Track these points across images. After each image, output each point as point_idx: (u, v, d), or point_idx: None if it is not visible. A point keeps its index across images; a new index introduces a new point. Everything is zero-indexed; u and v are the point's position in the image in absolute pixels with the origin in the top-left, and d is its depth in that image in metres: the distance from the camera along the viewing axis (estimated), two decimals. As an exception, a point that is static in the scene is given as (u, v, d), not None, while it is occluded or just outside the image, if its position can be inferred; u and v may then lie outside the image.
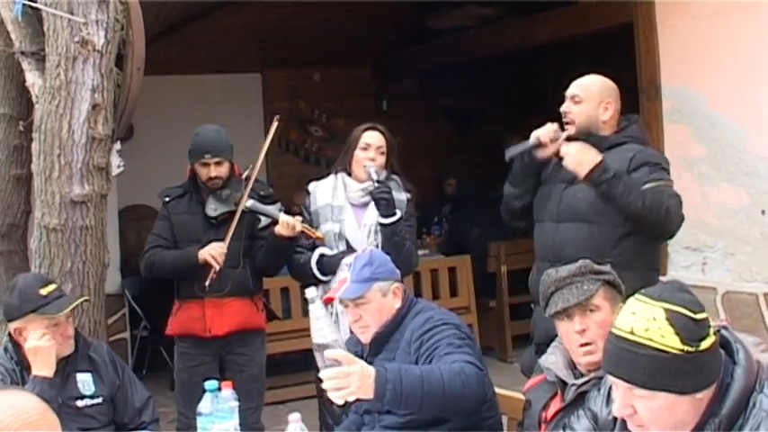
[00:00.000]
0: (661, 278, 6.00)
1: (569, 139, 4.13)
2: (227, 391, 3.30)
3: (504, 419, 3.68)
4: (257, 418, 4.92)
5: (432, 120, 10.96)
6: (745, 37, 5.53)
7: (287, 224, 4.57)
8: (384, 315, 3.41)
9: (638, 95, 6.20)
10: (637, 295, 2.20)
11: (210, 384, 3.19)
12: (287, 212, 4.83)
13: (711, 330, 2.13)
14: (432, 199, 9.55)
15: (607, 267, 3.13)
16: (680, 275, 5.92)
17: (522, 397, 3.46)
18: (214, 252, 4.67)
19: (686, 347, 2.07)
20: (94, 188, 4.22)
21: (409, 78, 10.49)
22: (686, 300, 2.14)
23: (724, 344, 2.19)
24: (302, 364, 7.72)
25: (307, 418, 3.21)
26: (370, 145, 4.62)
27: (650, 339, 2.09)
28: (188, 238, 4.85)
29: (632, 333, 2.11)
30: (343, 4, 8.26)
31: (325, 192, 4.69)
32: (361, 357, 3.44)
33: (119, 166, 4.34)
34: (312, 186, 4.77)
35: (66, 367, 3.73)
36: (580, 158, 3.98)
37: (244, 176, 4.87)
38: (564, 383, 3.06)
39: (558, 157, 4.15)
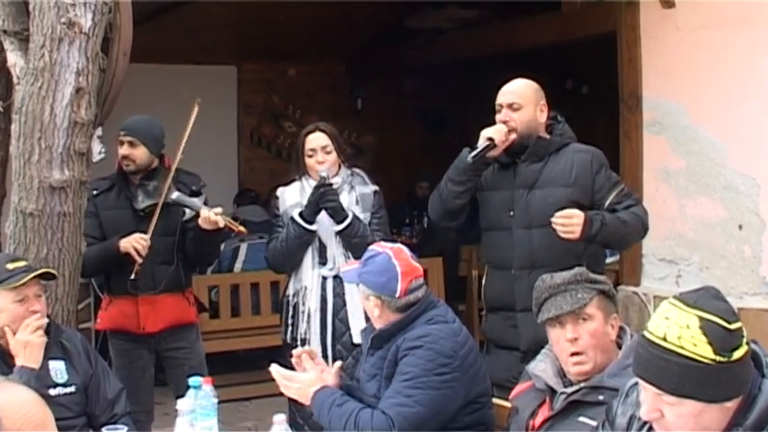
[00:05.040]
0: (634, 289, 6.09)
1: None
2: (208, 387, 3.23)
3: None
4: None
5: (407, 120, 10.93)
6: (730, 51, 5.54)
7: (208, 219, 4.50)
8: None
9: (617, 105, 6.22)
10: (671, 299, 2.17)
11: (194, 380, 3.12)
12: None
13: (744, 341, 2.12)
14: (402, 200, 9.50)
15: (602, 277, 3.11)
16: (653, 287, 5.95)
17: (505, 403, 3.44)
18: (137, 245, 4.54)
19: (718, 357, 2.06)
20: (74, 174, 4.12)
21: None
22: (721, 308, 2.12)
23: (753, 356, 2.18)
24: (268, 360, 7.66)
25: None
26: (315, 150, 4.64)
27: (682, 348, 2.07)
28: (117, 234, 4.67)
29: (665, 340, 2.10)
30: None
31: (293, 193, 4.69)
32: None
33: (100, 153, 4.25)
34: (280, 191, 4.77)
35: (39, 354, 3.64)
36: (566, 228, 3.97)
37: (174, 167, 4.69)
38: (553, 391, 3.03)
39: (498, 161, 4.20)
